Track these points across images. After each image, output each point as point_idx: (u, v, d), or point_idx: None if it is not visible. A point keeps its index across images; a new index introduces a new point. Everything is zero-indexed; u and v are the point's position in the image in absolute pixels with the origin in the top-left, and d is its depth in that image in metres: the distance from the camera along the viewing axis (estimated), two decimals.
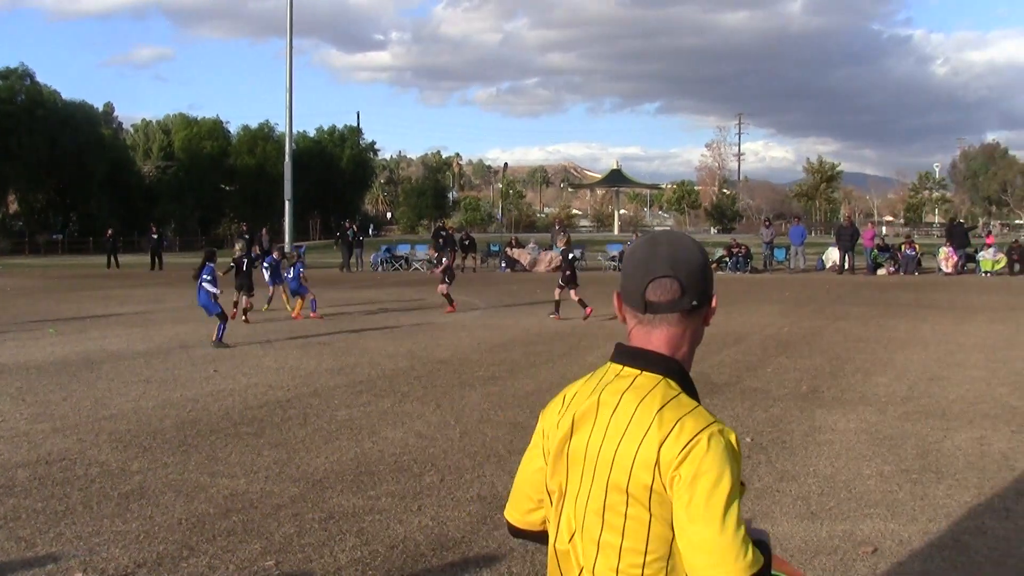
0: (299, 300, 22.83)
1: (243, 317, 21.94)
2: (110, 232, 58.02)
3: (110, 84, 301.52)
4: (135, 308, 26.22)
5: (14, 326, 21.74)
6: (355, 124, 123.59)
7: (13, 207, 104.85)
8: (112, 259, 53.50)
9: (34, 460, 9.31)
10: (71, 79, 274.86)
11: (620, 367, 2.53)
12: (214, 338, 17.81)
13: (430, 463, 9.04)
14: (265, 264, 23.70)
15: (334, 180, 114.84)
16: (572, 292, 22.12)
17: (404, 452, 9.47)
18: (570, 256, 23.04)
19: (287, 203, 59.01)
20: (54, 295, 32.35)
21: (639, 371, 2.50)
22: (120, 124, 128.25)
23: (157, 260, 51.09)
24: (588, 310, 21.67)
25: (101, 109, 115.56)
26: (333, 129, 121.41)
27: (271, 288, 25.18)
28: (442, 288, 24.23)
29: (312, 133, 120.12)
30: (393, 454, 9.39)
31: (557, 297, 22.44)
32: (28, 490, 8.28)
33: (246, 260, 22.81)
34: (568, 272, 22.47)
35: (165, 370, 14.99)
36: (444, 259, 25.60)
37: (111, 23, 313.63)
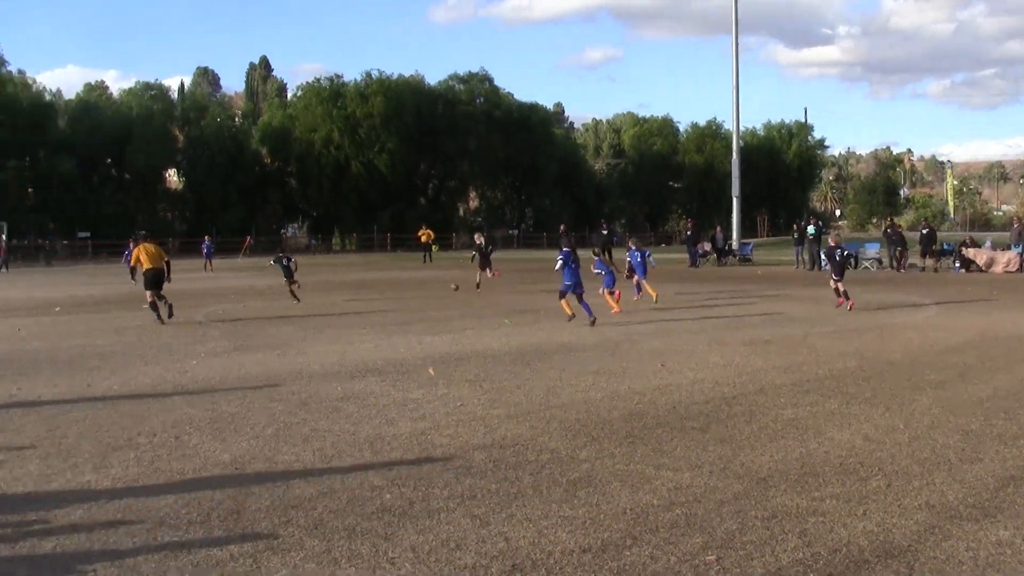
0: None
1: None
2: (563, 227, 60.05)
3: (561, 85, 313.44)
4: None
5: (474, 317, 23.03)
6: (802, 120, 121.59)
7: (473, 203, 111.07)
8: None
9: (489, 443, 9.84)
10: (525, 82, 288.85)
11: None
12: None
13: (877, 467, 8.80)
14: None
15: (780, 177, 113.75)
16: (840, 283, 24.48)
17: (850, 454, 9.26)
18: (837, 253, 25.29)
19: (735, 200, 58.98)
20: (510, 288, 33.94)
21: None
22: (571, 124, 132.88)
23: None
24: (848, 302, 23.88)
25: (552, 109, 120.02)
26: (781, 126, 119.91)
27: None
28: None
29: (759, 130, 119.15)
30: (839, 456, 9.21)
31: (833, 286, 24.79)
32: (484, 471, 8.77)
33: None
34: (838, 266, 24.99)
35: (614, 363, 15.39)
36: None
37: (563, 27, 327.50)
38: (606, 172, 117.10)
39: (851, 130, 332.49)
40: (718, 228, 54.56)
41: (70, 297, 32.75)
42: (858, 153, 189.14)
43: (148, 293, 23.06)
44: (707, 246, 53.38)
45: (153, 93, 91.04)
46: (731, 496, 7.92)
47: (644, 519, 7.33)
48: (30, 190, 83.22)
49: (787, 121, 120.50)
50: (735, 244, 55.17)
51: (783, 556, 6.52)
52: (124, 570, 6.41)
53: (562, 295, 21.50)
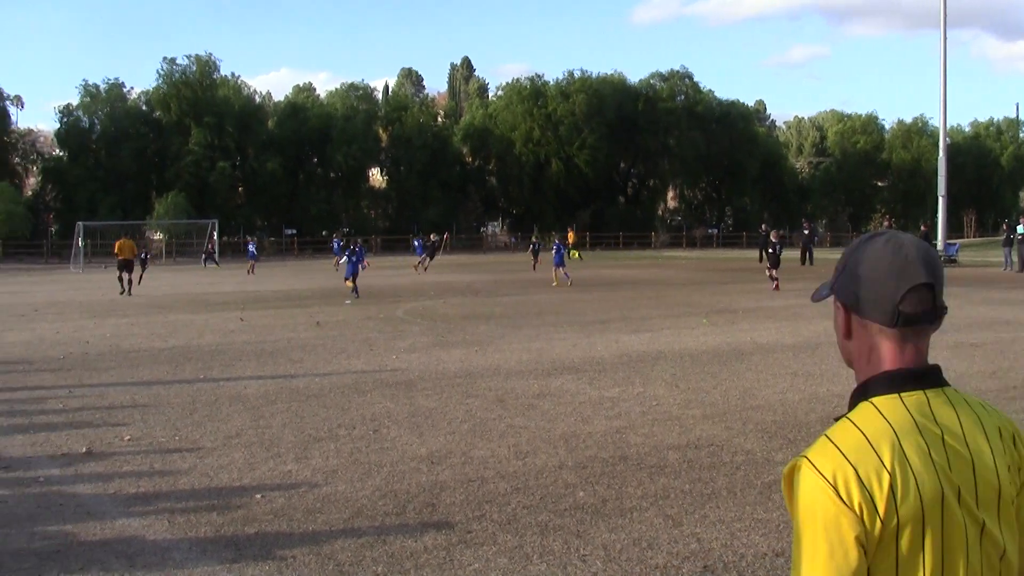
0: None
1: None
2: (763, 227, 59.29)
3: (763, 83, 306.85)
4: (784, 302, 26.63)
5: (671, 316, 22.91)
6: (1013, 117, 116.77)
7: (672, 202, 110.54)
8: (764, 254, 54.53)
9: (684, 443, 9.78)
10: (726, 79, 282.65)
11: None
12: None
13: None
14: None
15: (990, 175, 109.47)
16: (774, 271, 31.40)
17: None
18: (776, 247, 32.08)
19: (940, 200, 57.26)
20: (708, 287, 33.69)
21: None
22: (773, 122, 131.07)
23: (807, 255, 51.41)
24: (775, 285, 30.83)
25: (753, 107, 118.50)
26: (990, 122, 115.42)
27: None
28: None
29: (967, 127, 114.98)
30: None
31: (768, 275, 31.85)
32: (678, 471, 8.73)
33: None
34: (774, 258, 31.85)
35: (812, 364, 15.12)
36: None
37: (767, 25, 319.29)
38: (808, 171, 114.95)
39: None
40: (923, 226, 52.89)
41: (278, 291, 33.83)
42: None
43: (119, 273, 33.62)
44: None
45: (358, 94, 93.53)
46: None
47: None
48: (240, 189, 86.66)
49: (997, 118, 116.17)
50: (939, 244, 53.54)
51: None
52: (322, 558, 6.61)
53: (347, 279, 30.49)
